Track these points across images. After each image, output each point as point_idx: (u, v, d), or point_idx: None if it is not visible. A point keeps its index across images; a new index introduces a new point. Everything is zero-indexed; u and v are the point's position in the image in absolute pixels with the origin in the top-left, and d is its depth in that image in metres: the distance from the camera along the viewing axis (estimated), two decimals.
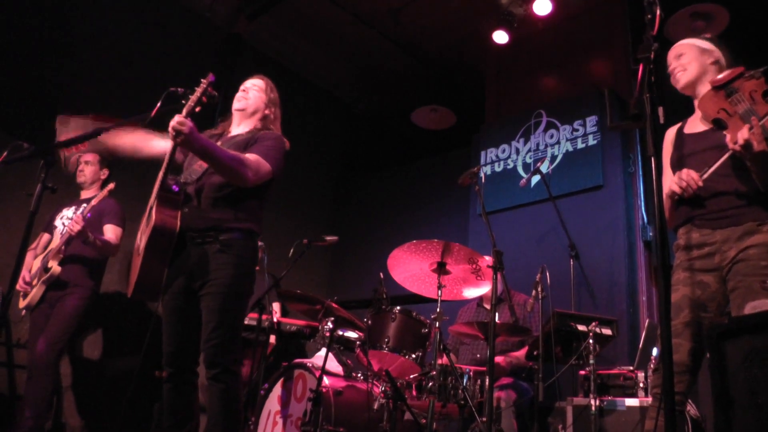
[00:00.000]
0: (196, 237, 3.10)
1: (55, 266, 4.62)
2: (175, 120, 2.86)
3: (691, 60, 2.93)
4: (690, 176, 2.65)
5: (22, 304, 4.68)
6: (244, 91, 3.49)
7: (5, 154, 3.06)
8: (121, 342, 5.73)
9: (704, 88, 2.89)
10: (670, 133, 3.03)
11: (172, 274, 3.09)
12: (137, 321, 5.83)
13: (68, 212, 4.87)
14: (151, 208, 3.08)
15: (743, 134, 2.47)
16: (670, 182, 2.76)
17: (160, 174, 3.07)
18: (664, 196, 2.80)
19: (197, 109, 3.00)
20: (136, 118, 3.02)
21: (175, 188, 3.08)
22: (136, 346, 5.70)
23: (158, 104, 2.99)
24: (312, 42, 7.67)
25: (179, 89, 3.03)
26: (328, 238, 4.85)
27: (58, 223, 4.87)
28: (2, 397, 4.97)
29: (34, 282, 4.65)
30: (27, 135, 3.67)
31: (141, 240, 3.15)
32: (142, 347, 5.63)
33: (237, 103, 3.46)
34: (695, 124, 2.94)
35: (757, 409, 1.81)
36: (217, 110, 6.39)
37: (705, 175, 2.64)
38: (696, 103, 2.94)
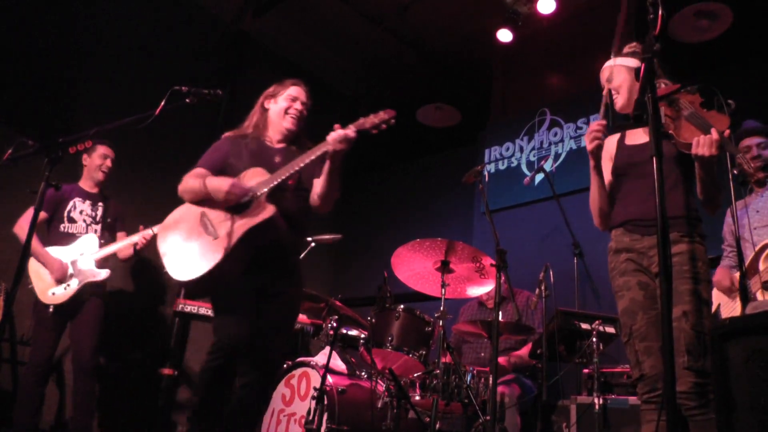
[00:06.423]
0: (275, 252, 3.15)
1: (107, 274, 4.71)
2: (351, 129, 3.10)
3: (621, 83, 3.15)
4: (591, 126, 2.88)
5: (50, 299, 4.55)
6: (300, 109, 3.37)
7: (10, 151, 3.06)
8: (123, 340, 5.74)
9: None
10: (611, 143, 3.12)
11: (251, 274, 3.06)
12: (139, 319, 5.85)
13: (84, 207, 4.85)
14: (250, 201, 3.04)
15: (714, 136, 2.51)
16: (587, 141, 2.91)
17: (284, 174, 3.07)
18: (598, 189, 2.97)
19: (373, 132, 3.24)
20: (140, 117, 3.01)
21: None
22: (138, 345, 5.74)
23: (162, 102, 2.99)
24: (318, 38, 7.66)
25: (183, 87, 3.04)
26: (332, 236, 4.84)
27: (76, 216, 4.83)
28: (6, 394, 4.97)
29: (69, 279, 4.62)
30: (32, 132, 3.67)
31: (221, 227, 3.02)
32: (144, 345, 5.72)
33: (289, 122, 3.35)
34: (637, 136, 3.04)
35: (760, 411, 1.81)
36: (222, 109, 6.42)
37: None
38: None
